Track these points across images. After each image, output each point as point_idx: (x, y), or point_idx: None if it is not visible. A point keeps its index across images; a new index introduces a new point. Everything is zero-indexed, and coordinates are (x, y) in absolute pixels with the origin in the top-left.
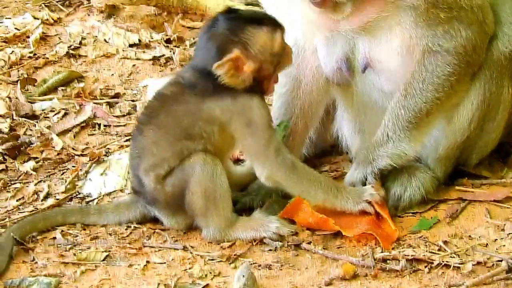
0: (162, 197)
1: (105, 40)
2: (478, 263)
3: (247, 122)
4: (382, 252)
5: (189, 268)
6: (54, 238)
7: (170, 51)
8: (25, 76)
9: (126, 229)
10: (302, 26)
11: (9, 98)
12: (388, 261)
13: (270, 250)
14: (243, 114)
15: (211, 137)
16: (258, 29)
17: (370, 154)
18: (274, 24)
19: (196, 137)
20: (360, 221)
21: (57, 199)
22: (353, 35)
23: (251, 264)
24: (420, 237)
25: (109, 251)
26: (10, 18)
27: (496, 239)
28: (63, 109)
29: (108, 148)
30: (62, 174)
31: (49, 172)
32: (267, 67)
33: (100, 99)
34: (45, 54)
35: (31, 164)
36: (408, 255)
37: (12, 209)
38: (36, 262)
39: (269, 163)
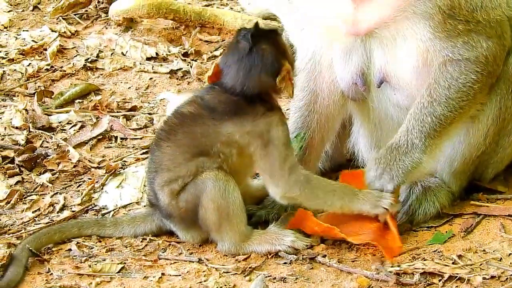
0: (176, 212)
1: (122, 53)
2: (492, 277)
3: (265, 144)
4: (397, 266)
5: (204, 281)
6: (70, 250)
7: (188, 65)
8: (42, 88)
9: (141, 241)
10: (319, 38)
11: (26, 110)
12: (402, 275)
13: (285, 263)
14: (261, 137)
15: (228, 159)
16: (284, 40)
17: (393, 161)
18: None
19: (213, 156)
20: (367, 229)
21: (73, 211)
22: (370, 44)
23: (266, 277)
24: (435, 251)
25: (125, 263)
26: (27, 31)
27: (510, 254)
28: (80, 121)
29: (125, 161)
30: (78, 186)
31: (65, 184)
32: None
33: (117, 112)
34: (62, 67)
35: (48, 176)
36: (422, 269)
37: (28, 221)
38: (52, 274)
39: (283, 183)
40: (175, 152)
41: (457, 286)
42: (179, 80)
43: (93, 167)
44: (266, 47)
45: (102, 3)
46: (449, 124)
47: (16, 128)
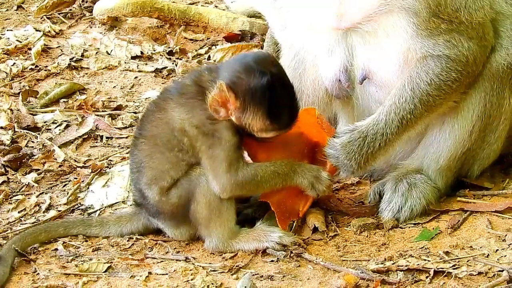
0: (168, 208)
1: (107, 52)
2: (479, 273)
3: (210, 144)
4: (383, 263)
5: (191, 279)
6: (56, 249)
7: (173, 63)
8: (27, 88)
9: (128, 241)
10: (303, 34)
11: (11, 110)
12: (388, 272)
13: (272, 261)
14: (207, 136)
15: (190, 151)
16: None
17: (362, 150)
18: None
19: (182, 148)
20: (282, 192)
21: (59, 211)
22: (352, 40)
23: (253, 275)
24: (422, 247)
25: (111, 262)
26: (11, 30)
27: (497, 250)
28: (65, 121)
29: (110, 160)
30: (64, 186)
31: (51, 184)
32: None
33: (102, 111)
34: (47, 66)
35: (33, 176)
36: (409, 265)
37: (14, 221)
38: (38, 274)
39: (227, 185)
40: (149, 147)
41: (444, 283)
42: (164, 78)
43: (78, 167)
44: (234, 63)
45: (87, 2)
46: (422, 121)
47: (1, 128)
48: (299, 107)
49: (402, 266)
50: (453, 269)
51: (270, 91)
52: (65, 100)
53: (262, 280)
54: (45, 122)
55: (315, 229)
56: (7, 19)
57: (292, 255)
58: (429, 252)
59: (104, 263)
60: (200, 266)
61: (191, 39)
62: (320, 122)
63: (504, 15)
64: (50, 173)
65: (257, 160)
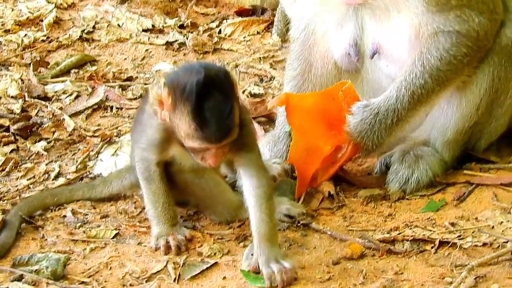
0: None
1: (118, 25)
2: (484, 244)
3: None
4: (389, 233)
5: (198, 247)
6: (64, 216)
7: (184, 36)
8: (38, 59)
9: (135, 208)
10: (314, 7)
11: (22, 80)
12: (394, 242)
13: (279, 229)
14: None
15: None
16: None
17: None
18: None
19: None
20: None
21: (68, 179)
22: (362, 14)
23: None
24: (428, 218)
25: (119, 229)
26: (24, 2)
27: (502, 222)
28: (76, 91)
29: (120, 130)
30: (73, 155)
31: (60, 152)
32: None
33: (113, 82)
34: (58, 38)
35: (43, 144)
36: (414, 235)
37: (23, 188)
38: (46, 239)
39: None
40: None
41: (449, 253)
42: (175, 51)
43: (88, 136)
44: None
45: None
46: (435, 96)
47: (12, 97)
48: (231, 126)
49: (407, 236)
50: (459, 239)
51: (201, 90)
52: (75, 71)
53: None
54: (55, 92)
55: (323, 199)
56: None
57: (299, 224)
58: (434, 223)
59: (112, 230)
60: (208, 233)
61: (202, 13)
62: (343, 98)
63: None
64: (60, 141)
65: (292, 123)
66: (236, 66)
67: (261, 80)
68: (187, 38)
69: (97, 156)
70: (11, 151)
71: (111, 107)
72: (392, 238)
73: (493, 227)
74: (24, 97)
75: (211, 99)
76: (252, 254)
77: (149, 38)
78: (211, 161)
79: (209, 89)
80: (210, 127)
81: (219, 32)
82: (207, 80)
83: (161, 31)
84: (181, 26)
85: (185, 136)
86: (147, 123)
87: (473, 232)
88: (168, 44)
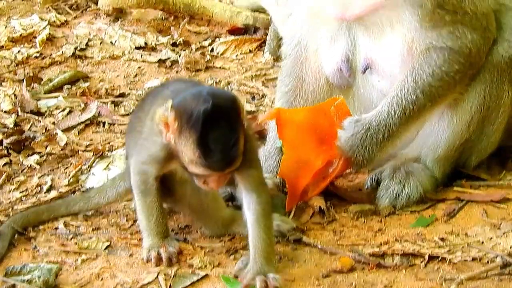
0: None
1: (111, 42)
2: (474, 259)
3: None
4: (378, 247)
5: (189, 259)
6: (56, 228)
7: (176, 54)
8: (31, 74)
9: (127, 221)
10: (307, 22)
11: (15, 95)
12: (384, 256)
13: None
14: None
15: None
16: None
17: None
18: None
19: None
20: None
21: (60, 192)
22: (355, 30)
23: None
24: (418, 233)
25: (110, 241)
26: (17, 19)
27: (492, 237)
28: (68, 107)
29: (112, 145)
30: (65, 169)
31: (52, 166)
32: None
33: (105, 98)
34: (51, 54)
35: (35, 158)
36: (404, 250)
37: (15, 200)
38: (38, 250)
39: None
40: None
41: (439, 267)
42: (168, 69)
43: (80, 150)
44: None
45: None
46: (427, 112)
47: (5, 112)
48: (235, 156)
49: (397, 250)
50: (448, 254)
51: (207, 119)
52: (68, 87)
53: None
54: (48, 107)
55: (314, 214)
56: (13, 8)
57: (290, 239)
58: (424, 238)
59: (104, 241)
60: (198, 246)
61: (195, 32)
62: (335, 113)
63: (506, 6)
64: (52, 156)
65: (283, 137)
66: (228, 84)
67: (253, 98)
68: (179, 56)
69: (89, 170)
70: (4, 165)
71: (104, 123)
72: (382, 252)
73: (482, 242)
74: (17, 112)
75: (217, 129)
76: (245, 266)
77: (141, 56)
78: (213, 185)
79: (215, 118)
80: (214, 156)
81: (212, 50)
82: (214, 109)
83: (153, 48)
84: (174, 44)
85: (189, 162)
86: (149, 139)
87: (462, 247)
88: (161, 61)
